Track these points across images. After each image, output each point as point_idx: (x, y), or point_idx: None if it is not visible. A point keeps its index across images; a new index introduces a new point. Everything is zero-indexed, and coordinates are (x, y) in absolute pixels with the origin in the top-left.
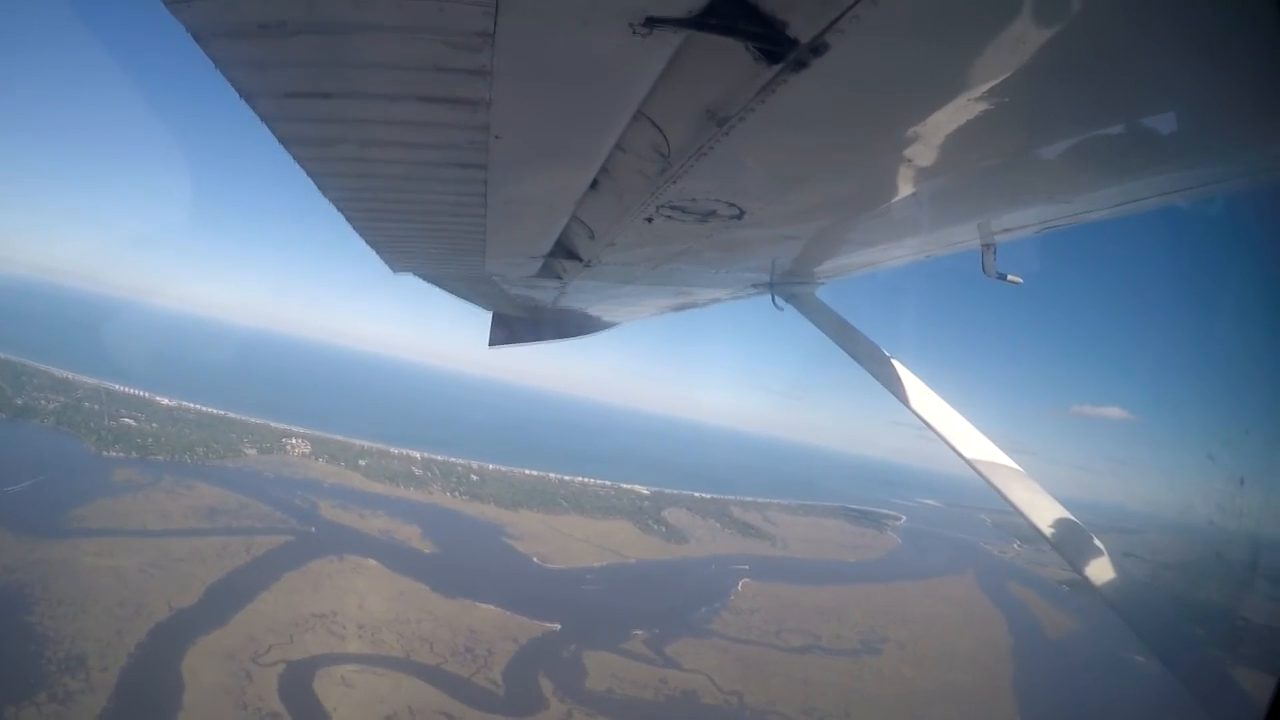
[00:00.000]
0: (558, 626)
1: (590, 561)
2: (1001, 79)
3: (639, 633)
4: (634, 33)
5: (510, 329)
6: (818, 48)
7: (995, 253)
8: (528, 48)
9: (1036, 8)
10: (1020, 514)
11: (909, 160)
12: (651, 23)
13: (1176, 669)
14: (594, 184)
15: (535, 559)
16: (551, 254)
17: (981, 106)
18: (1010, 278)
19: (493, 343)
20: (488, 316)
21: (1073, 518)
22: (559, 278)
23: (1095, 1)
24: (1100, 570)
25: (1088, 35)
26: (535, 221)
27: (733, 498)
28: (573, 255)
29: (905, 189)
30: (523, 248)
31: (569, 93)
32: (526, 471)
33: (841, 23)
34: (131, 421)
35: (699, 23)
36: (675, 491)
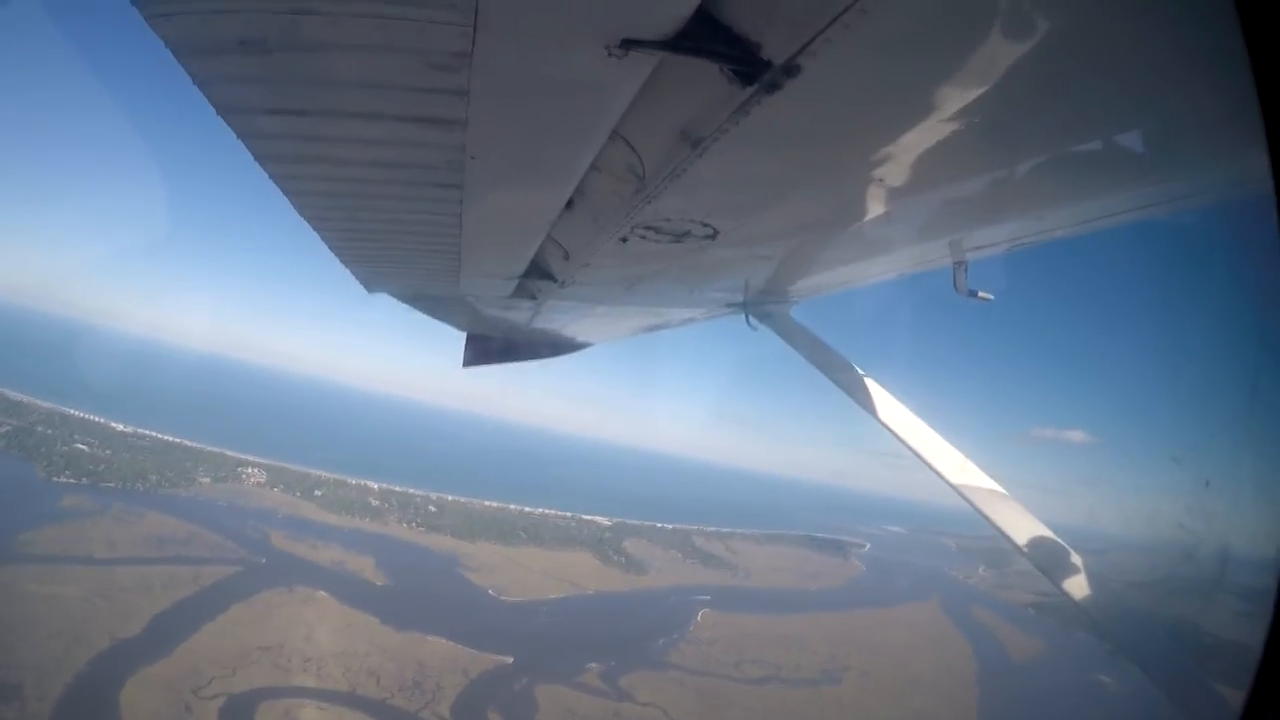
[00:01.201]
0: (510, 660)
1: (548, 593)
2: (971, 99)
3: (594, 665)
4: (610, 54)
5: (485, 349)
6: (791, 69)
7: (967, 270)
8: (505, 68)
9: (1005, 30)
10: (1001, 533)
11: (881, 179)
12: (627, 44)
13: (1161, 682)
14: (569, 204)
15: (491, 591)
16: (526, 274)
17: (952, 126)
18: (981, 294)
19: (467, 363)
20: (458, 343)
21: (1053, 535)
22: (533, 298)
23: (1062, 24)
24: (1081, 586)
25: (1055, 56)
26: (510, 242)
27: (695, 528)
28: (547, 276)
29: (878, 207)
30: (497, 268)
31: (545, 113)
32: (486, 503)
33: (814, 45)
34: (84, 447)
35: (674, 45)
36: (637, 522)
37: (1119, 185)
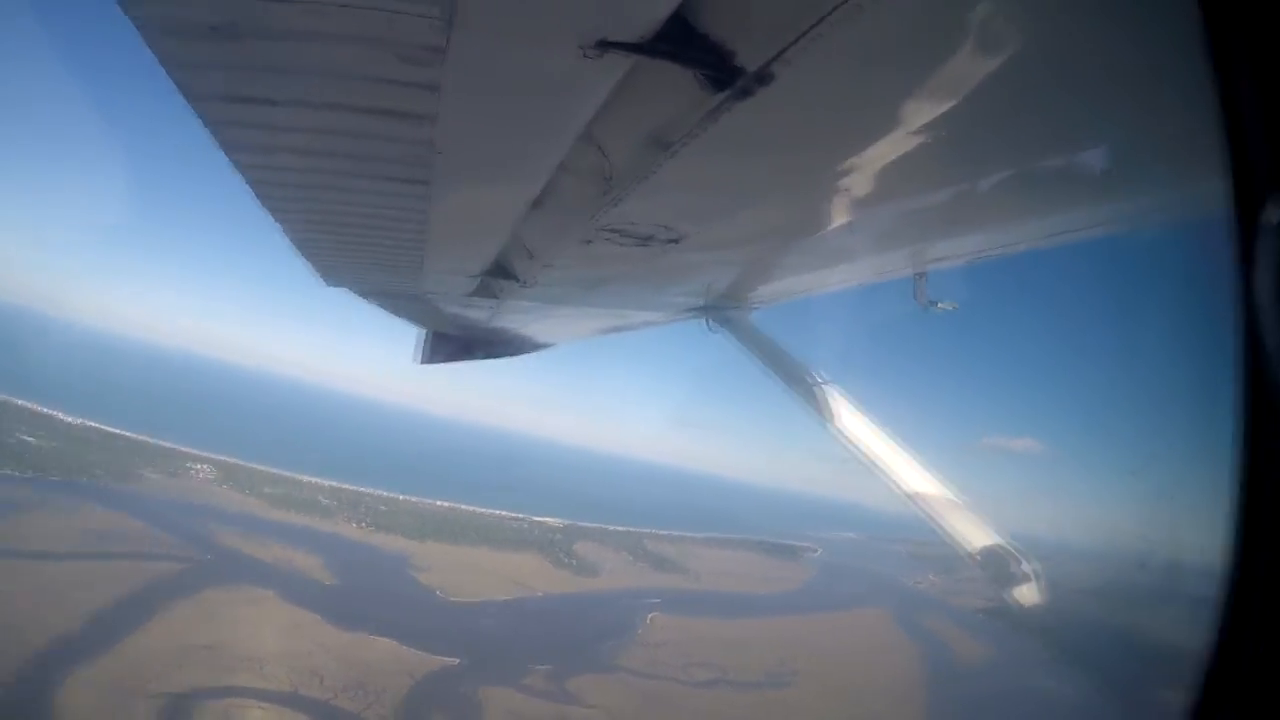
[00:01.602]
0: (456, 661)
1: (496, 595)
2: (939, 114)
3: (541, 668)
4: (584, 55)
5: (444, 347)
6: (764, 77)
7: (927, 280)
8: (478, 64)
9: (976, 49)
10: (952, 540)
11: (847, 189)
12: (602, 45)
13: (1109, 687)
14: (535, 204)
15: (439, 592)
16: (489, 273)
17: (919, 140)
18: (941, 304)
19: (425, 360)
20: (415, 339)
21: (1003, 542)
22: (495, 297)
23: (1030, 45)
24: (1030, 593)
25: (1022, 76)
26: (474, 239)
27: (647, 531)
28: (510, 275)
29: (842, 217)
30: (461, 265)
31: (516, 111)
32: (437, 502)
33: (789, 54)
34: (29, 439)
35: (649, 48)
36: (589, 525)
37: (1082, 202)
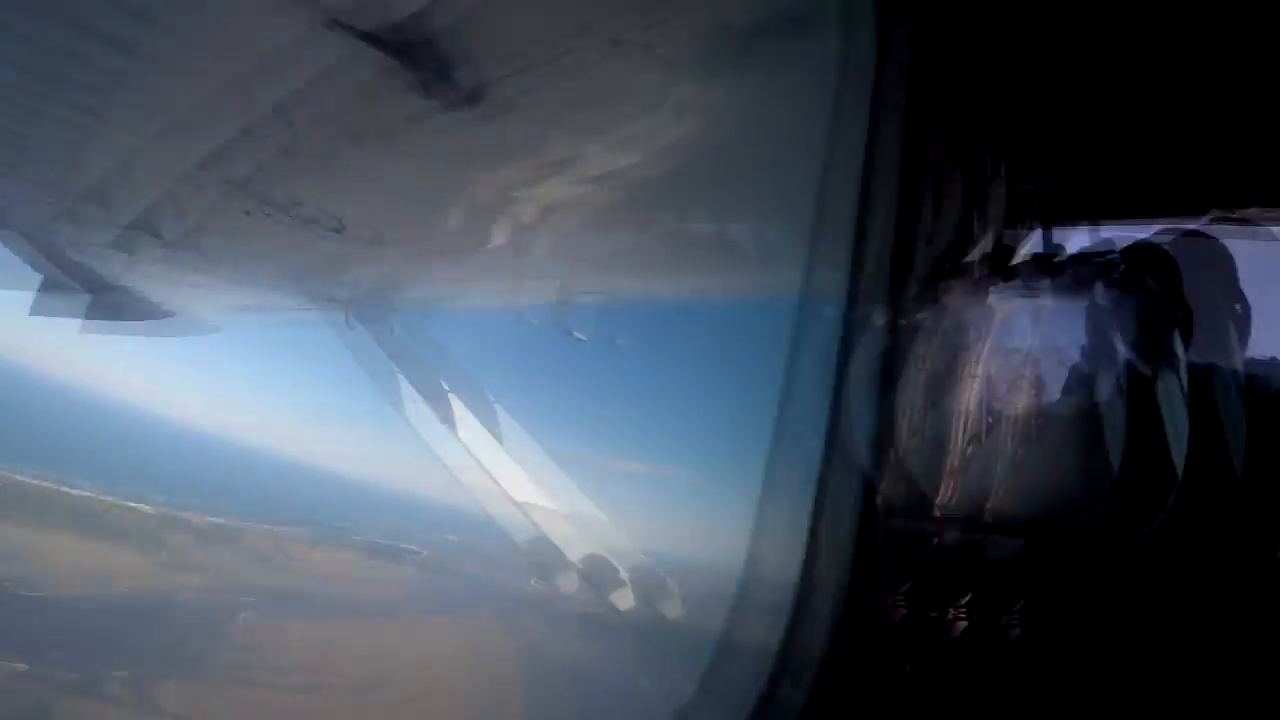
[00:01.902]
0: (24, 666)
1: (73, 588)
2: (616, 167)
3: (120, 674)
4: (311, 27)
5: (66, 301)
6: (473, 96)
7: (570, 311)
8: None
9: (666, 115)
10: (557, 549)
11: (513, 214)
12: (332, 25)
13: (702, 690)
14: (203, 162)
15: (5, 582)
16: (131, 225)
17: (590, 188)
18: (578, 335)
19: (39, 312)
20: (31, 287)
21: (604, 554)
22: (130, 253)
23: (707, 117)
24: (628, 602)
25: (690, 147)
26: (129, 185)
27: (248, 525)
28: (154, 232)
29: (501, 237)
30: (106, 212)
31: (221, 61)
32: (15, 476)
33: (506, 82)
34: None
35: (374, 40)
36: (187, 514)
37: (723, 269)
